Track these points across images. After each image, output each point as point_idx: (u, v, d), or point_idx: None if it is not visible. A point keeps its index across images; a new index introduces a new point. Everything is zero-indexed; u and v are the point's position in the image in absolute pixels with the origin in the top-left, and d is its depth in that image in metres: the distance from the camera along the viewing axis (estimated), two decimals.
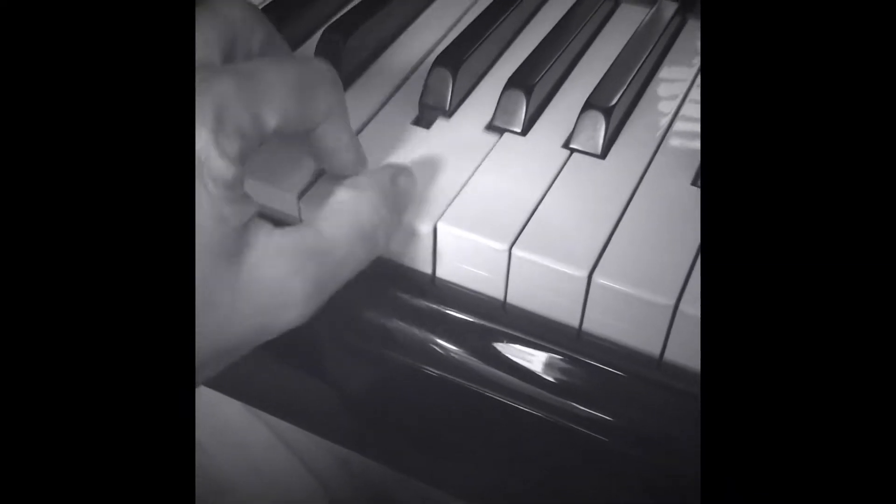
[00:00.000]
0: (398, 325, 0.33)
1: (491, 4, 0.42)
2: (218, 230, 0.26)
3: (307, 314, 0.29)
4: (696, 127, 0.38)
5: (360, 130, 0.37)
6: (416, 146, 0.36)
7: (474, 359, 0.32)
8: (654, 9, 0.43)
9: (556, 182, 0.34)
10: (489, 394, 0.32)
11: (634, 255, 0.31)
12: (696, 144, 0.37)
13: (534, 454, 0.33)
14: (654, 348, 0.31)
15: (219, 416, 0.66)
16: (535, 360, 0.32)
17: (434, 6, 0.45)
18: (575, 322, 0.32)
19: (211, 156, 0.26)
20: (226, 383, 0.30)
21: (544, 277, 0.31)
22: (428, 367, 0.33)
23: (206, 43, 0.29)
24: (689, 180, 0.35)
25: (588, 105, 0.36)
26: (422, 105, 0.38)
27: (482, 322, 0.32)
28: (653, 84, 0.40)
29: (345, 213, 0.30)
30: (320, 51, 0.39)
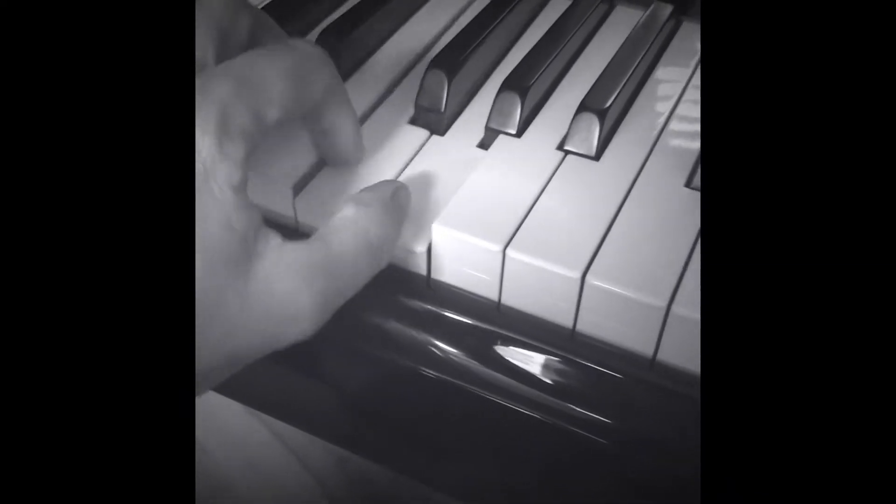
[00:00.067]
0: (394, 326, 0.33)
1: (487, 6, 0.43)
2: (226, 237, 0.26)
3: (314, 328, 0.29)
4: (691, 129, 0.38)
5: None
6: (413, 146, 0.36)
7: (469, 359, 0.32)
8: (649, 11, 0.44)
9: (550, 183, 0.34)
10: (483, 394, 0.32)
11: (628, 256, 0.31)
12: (691, 146, 0.37)
13: (527, 454, 0.34)
14: (647, 349, 0.31)
15: (218, 415, 0.66)
16: (529, 361, 0.32)
17: (428, 5, 0.45)
18: (569, 323, 0.32)
19: (217, 161, 0.26)
20: (224, 384, 0.30)
21: (538, 279, 0.31)
22: (422, 368, 0.33)
23: (198, 43, 0.29)
24: (683, 182, 0.35)
25: (582, 107, 0.36)
26: (417, 106, 0.38)
27: (477, 323, 0.33)
28: (647, 86, 0.41)
29: (352, 228, 0.30)
30: None
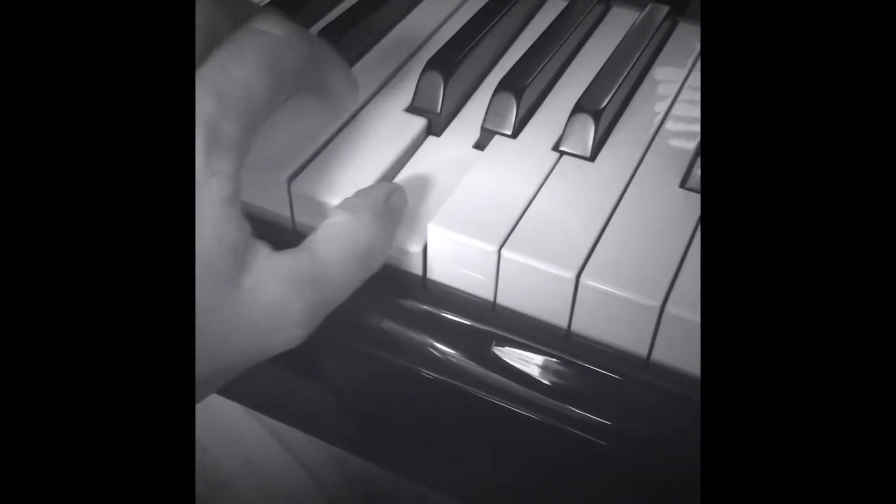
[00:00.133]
0: (389, 326, 0.33)
1: (484, 7, 0.43)
2: (216, 251, 0.26)
3: (303, 336, 0.29)
4: (686, 129, 0.38)
5: (349, 121, 0.37)
6: (410, 134, 0.37)
7: (464, 360, 0.32)
8: (645, 12, 0.44)
9: (545, 184, 0.35)
10: (478, 394, 0.32)
11: (622, 256, 0.31)
12: (686, 147, 0.37)
13: (525, 454, 0.34)
14: (641, 349, 0.31)
15: (217, 415, 0.67)
16: (524, 361, 0.32)
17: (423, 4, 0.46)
18: (564, 323, 0.32)
19: (208, 177, 0.26)
20: (224, 385, 0.30)
21: (533, 279, 0.31)
22: (418, 368, 0.33)
23: (251, 69, 0.29)
24: (678, 183, 0.35)
25: (578, 108, 0.36)
26: (413, 107, 0.38)
27: (472, 323, 0.33)
28: (643, 87, 0.41)
29: (341, 235, 0.30)
30: None
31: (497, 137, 0.37)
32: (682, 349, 0.30)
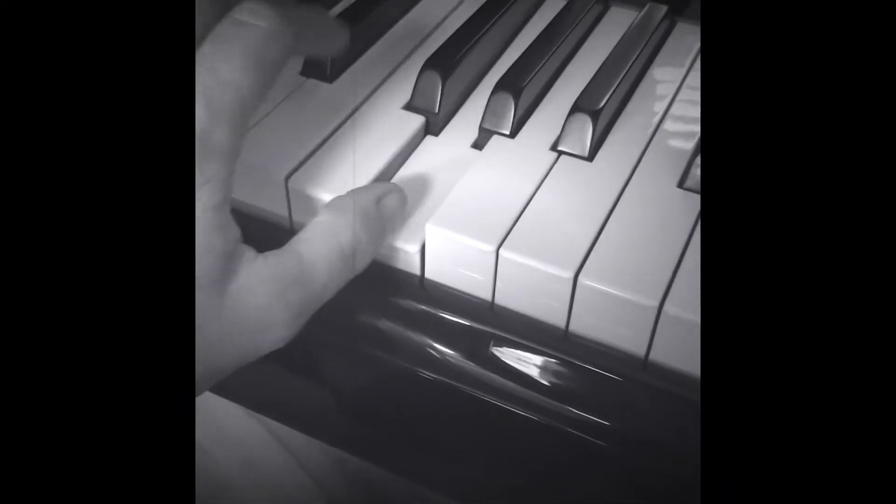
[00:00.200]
0: (387, 326, 0.33)
1: (482, 7, 0.43)
2: (205, 259, 0.27)
3: (290, 336, 0.30)
4: (684, 129, 0.38)
5: (346, 119, 0.37)
6: (406, 143, 0.37)
7: (462, 360, 0.32)
8: (643, 11, 0.44)
9: (543, 184, 0.34)
10: (476, 394, 0.32)
11: (620, 256, 0.31)
12: (684, 147, 0.37)
13: (521, 454, 0.34)
14: (639, 349, 0.31)
15: (217, 416, 0.66)
16: (522, 361, 0.32)
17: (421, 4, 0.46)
18: (562, 323, 0.32)
19: (199, 185, 0.26)
20: (222, 385, 0.30)
21: (531, 279, 0.31)
22: (416, 368, 0.33)
23: (238, 68, 0.28)
24: (676, 182, 0.35)
25: (576, 108, 0.36)
26: (412, 107, 0.38)
27: (470, 323, 0.33)
28: (641, 86, 0.41)
29: (324, 235, 0.30)
30: (309, 57, 0.40)
31: (495, 137, 0.37)
32: (680, 349, 0.30)
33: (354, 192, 0.32)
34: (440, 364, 0.33)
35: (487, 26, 0.41)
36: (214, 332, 0.27)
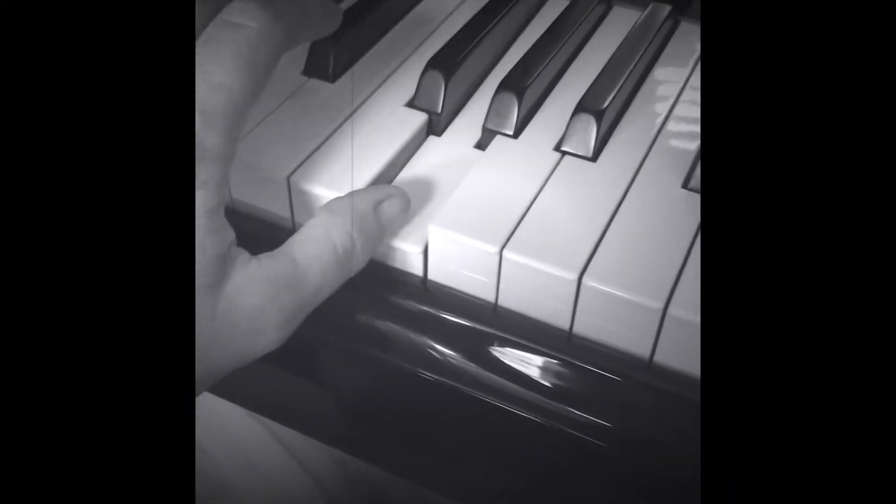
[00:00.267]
0: (390, 327, 0.33)
1: (485, 7, 0.43)
2: (201, 262, 0.27)
3: (283, 338, 0.30)
4: (688, 129, 0.38)
5: (349, 117, 0.37)
6: (409, 141, 0.36)
7: (466, 361, 0.32)
8: (646, 11, 0.43)
9: (547, 184, 0.34)
10: (480, 395, 0.32)
11: (624, 257, 0.31)
12: (688, 147, 0.37)
13: (526, 456, 0.34)
14: (643, 351, 0.31)
15: (217, 416, 0.66)
16: (526, 362, 0.32)
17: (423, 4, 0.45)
18: (566, 325, 0.32)
19: (194, 189, 0.26)
20: (222, 386, 0.30)
21: (535, 280, 0.31)
22: (419, 370, 0.33)
23: (229, 71, 0.28)
24: (680, 183, 0.35)
25: (579, 108, 0.36)
26: (414, 107, 0.38)
27: (474, 325, 0.33)
28: (645, 86, 0.40)
29: (317, 238, 0.30)
30: (312, 55, 0.39)
31: (498, 137, 0.37)
32: (684, 351, 0.30)
33: (353, 195, 0.32)
34: (442, 365, 0.32)
35: (490, 26, 0.41)
36: (208, 334, 0.27)
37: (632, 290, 0.30)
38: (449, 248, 0.32)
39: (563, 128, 0.37)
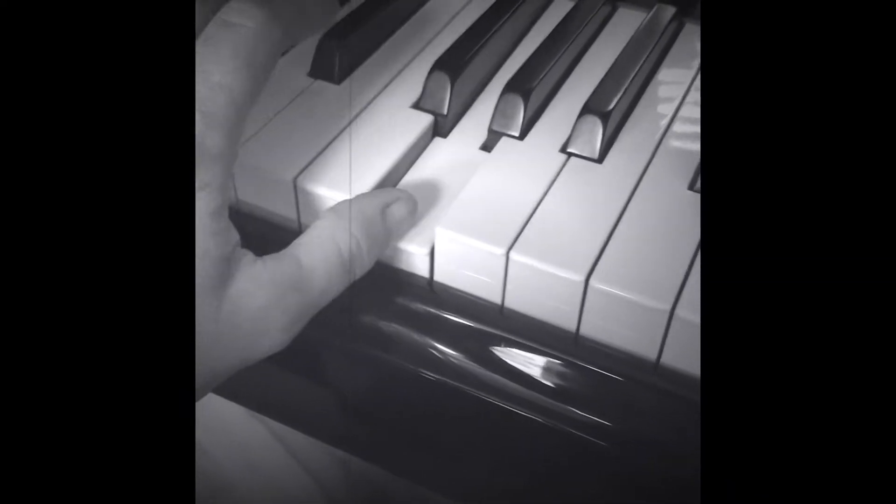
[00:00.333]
0: (396, 328, 0.33)
1: (490, 8, 0.43)
2: (202, 264, 0.27)
3: (286, 340, 0.30)
4: (694, 131, 0.38)
5: (355, 118, 0.37)
6: (415, 142, 0.36)
7: (472, 362, 0.32)
8: (651, 13, 0.43)
9: (553, 186, 0.34)
10: (486, 397, 0.32)
11: (631, 259, 0.31)
12: (694, 148, 0.37)
13: (530, 457, 0.34)
14: (650, 352, 0.31)
15: (218, 417, 0.66)
16: (532, 364, 0.32)
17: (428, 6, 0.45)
18: (572, 326, 0.32)
19: (196, 192, 0.26)
20: (223, 386, 0.30)
21: (541, 282, 0.31)
22: (425, 371, 0.33)
23: (228, 71, 0.28)
24: (686, 185, 0.35)
25: (585, 109, 0.36)
26: (420, 109, 0.38)
27: (480, 326, 0.33)
28: (650, 88, 0.40)
29: (323, 241, 0.30)
30: (318, 56, 0.39)
31: (504, 139, 0.37)
32: (691, 352, 0.30)
33: (359, 198, 0.32)
34: (448, 366, 0.32)
35: (496, 27, 0.41)
36: (211, 335, 0.27)
37: (638, 292, 0.30)
38: (455, 250, 0.32)
39: (569, 129, 0.37)
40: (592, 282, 0.30)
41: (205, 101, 0.27)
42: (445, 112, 0.37)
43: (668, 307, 0.30)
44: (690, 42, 0.44)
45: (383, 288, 0.33)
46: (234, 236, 0.28)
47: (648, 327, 0.30)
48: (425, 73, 0.38)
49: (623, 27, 0.44)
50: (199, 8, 0.30)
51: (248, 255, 0.29)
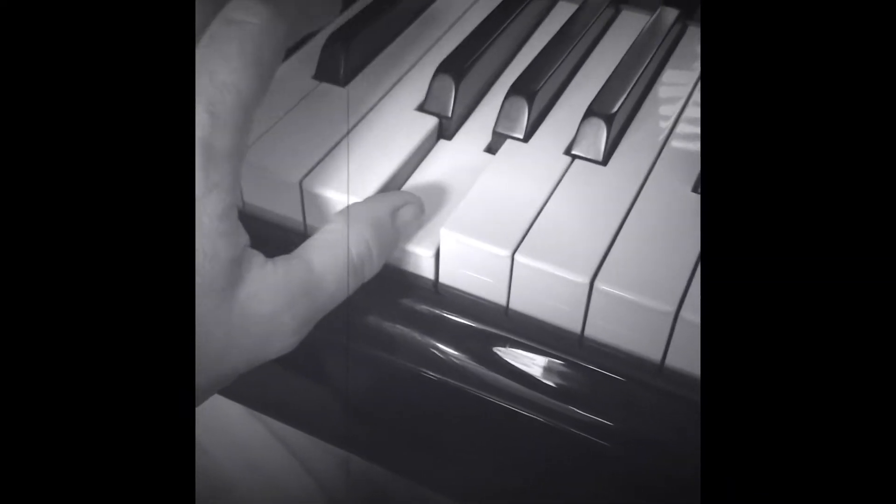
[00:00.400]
0: (401, 329, 0.33)
1: (494, 11, 0.43)
2: (211, 266, 0.27)
3: (295, 343, 0.30)
4: (697, 133, 0.38)
5: (360, 120, 0.37)
6: (420, 144, 0.37)
7: (476, 364, 0.32)
8: (654, 15, 0.44)
9: (557, 188, 0.34)
10: (491, 398, 0.32)
11: (635, 261, 0.31)
12: (697, 150, 0.37)
13: (534, 458, 0.34)
14: (655, 354, 0.31)
15: (218, 416, 0.66)
16: (537, 365, 0.32)
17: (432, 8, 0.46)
18: (577, 328, 0.32)
19: (206, 193, 0.26)
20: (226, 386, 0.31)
21: (546, 283, 0.31)
22: (430, 372, 0.33)
23: (234, 70, 0.28)
24: (690, 187, 0.35)
25: (590, 112, 0.36)
26: (425, 111, 0.38)
27: (484, 327, 0.33)
28: (654, 90, 0.41)
29: (334, 244, 0.30)
30: (323, 59, 0.39)
31: (509, 141, 0.37)
32: (696, 354, 0.30)
33: (370, 201, 0.32)
34: (453, 367, 0.33)
35: (500, 30, 0.41)
36: (221, 338, 0.27)
37: (643, 294, 0.30)
38: (460, 252, 0.32)
39: (574, 131, 0.37)
40: (597, 283, 0.31)
41: (212, 101, 0.27)
42: (450, 114, 0.37)
43: (672, 309, 0.30)
44: (693, 44, 0.44)
45: (388, 289, 0.33)
46: (244, 237, 0.28)
47: (653, 329, 0.31)
48: (430, 76, 0.38)
49: (627, 30, 0.44)
50: (199, 7, 0.30)
51: (259, 257, 0.28)
